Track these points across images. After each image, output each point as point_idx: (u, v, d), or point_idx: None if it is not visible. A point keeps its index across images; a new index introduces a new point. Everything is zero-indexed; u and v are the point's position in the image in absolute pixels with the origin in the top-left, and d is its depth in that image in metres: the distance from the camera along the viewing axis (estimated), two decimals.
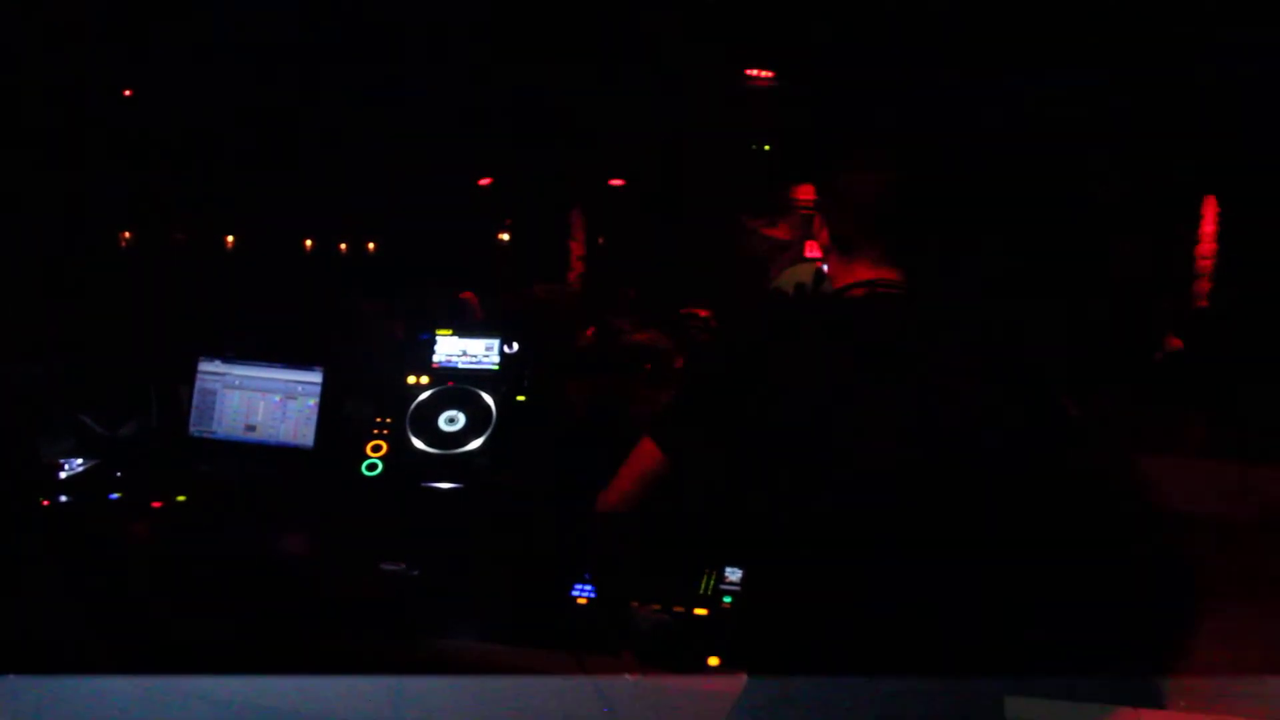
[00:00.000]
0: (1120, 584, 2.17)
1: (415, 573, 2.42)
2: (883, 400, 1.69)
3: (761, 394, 1.73)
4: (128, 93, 7.85)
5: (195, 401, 3.15)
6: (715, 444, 1.80)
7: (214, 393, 3.14)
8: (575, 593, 2.38)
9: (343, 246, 13.50)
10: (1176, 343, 8.16)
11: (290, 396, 3.09)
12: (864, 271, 1.82)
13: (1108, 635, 2.11)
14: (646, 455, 1.81)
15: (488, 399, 2.80)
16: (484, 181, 12.57)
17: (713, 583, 2.35)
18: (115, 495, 2.84)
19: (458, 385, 2.84)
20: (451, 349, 2.90)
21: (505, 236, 13.47)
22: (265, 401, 3.11)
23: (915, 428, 1.67)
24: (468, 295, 7.60)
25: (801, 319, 1.87)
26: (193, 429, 3.14)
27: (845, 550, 1.66)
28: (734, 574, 2.36)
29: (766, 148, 10.61)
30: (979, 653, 1.67)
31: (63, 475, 2.93)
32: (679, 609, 2.26)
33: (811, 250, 12.07)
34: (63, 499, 2.81)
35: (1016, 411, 1.72)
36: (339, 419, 3.08)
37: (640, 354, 3.72)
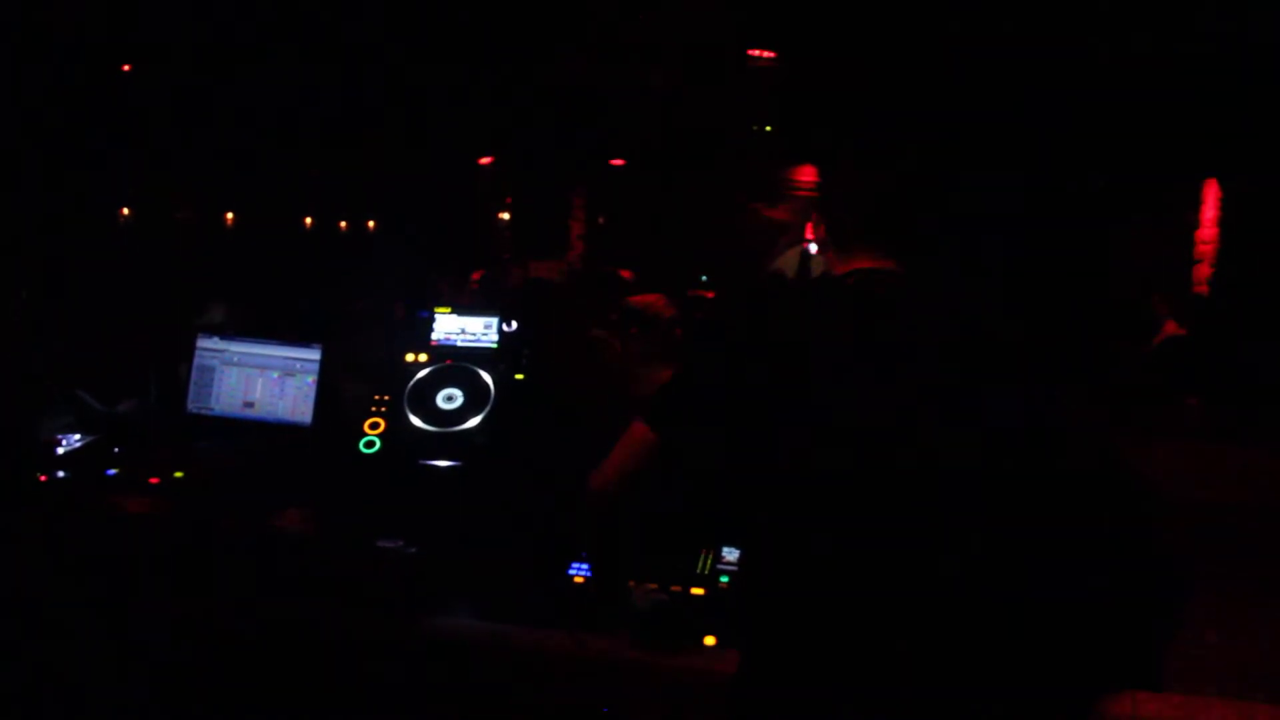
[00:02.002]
0: (1111, 572, 2.17)
1: (413, 550, 2.42)
2: (880, 387, 1.68)
3: (758, 378, 1.72)
4: (126, 67, 7.81)
5: (193, 378, 3.14)
6: (709, 426, 1.79)
7: (212, 369, 3.13)
8: (572, 571, 2.38)
9: (343, 224, 13.47)
10: (1175, 328, 8.17)
11: (289, 373, 3.09)
12: (863, 262, 1.81)
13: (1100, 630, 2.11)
14: (639, 436, 1.81)
15: (486, 377, 2.79)
16: (485, 160, 12.54)
17: (710, 562, 2.35)
18: (113, 471, 2.84)
19: (456, 363, 2.84)
20: (450, 327, 2.90)
21: (505, 216, 13.44)
22: (264, 378, 3.10)
23: (911, 415, 1.67)
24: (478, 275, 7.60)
25: (800, 303, 1.86)
26: (191, 406, 3.13)
27: (841, 537, 1.66)
28: (731, 553, 2.36)
29: (768, 129, 10.58)
30: (972, 649, 1.66)
31: (60, 451, 2.92)
32: (676, 588, 2.26)
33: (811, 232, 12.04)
34: (60, 475, 2.81)
35: (1012, 401, 1.72)
36: (337, 396, 3.07)
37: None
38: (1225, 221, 9.86)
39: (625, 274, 9.85)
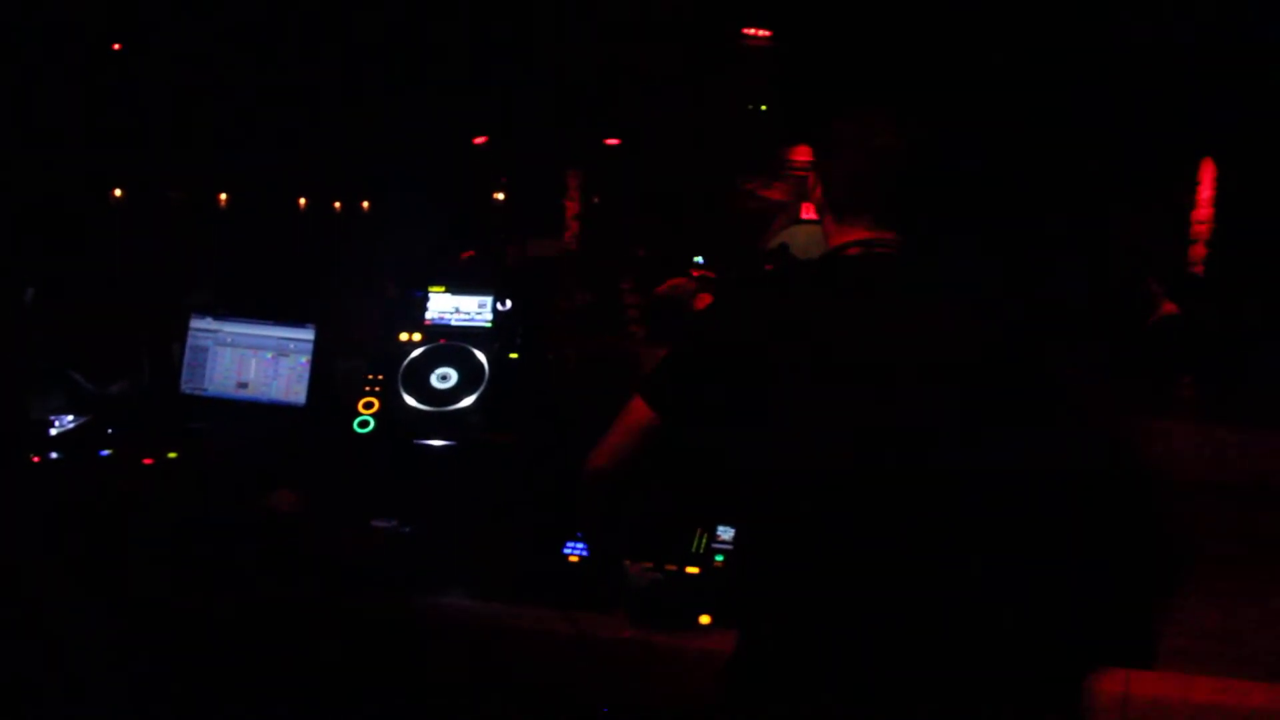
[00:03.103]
0: (1110, 552, 2.18)
1: (407, 530, 2.42)
2: (881, 360, 1.67)
3: (756, 357, 1.72)
4: (116, 46, 7.76)
5: (187, 359, 3.13)
6: (707, 404, 1.79)
7: (205, 350, 3.12)
8: (567, 550, 2.38)
9: (337, 205, 13.43)
10: (1171, 308, 8.15)
11: (282, 353, 3.08)
12: (860, 232, 1.80)
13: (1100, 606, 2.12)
14: (637, 414, 1.80)
15: (480, 356, 2.78)
16: (479, 140, 12.50)
17: (705, 541, 2.35)
18: (106, 452, 2.83)
19: (450, 342, 2.83)
20: (444, 306, 2.89)
21: (500, 196, 13.40)
22: (257, 359, 3.09)
23: (913, 387, 1.66)
24: (469, 255, 7.60)
25: (798, 281, 1.85)
26: (184, 386, 3.12)
27: (839, 519, 1.66)
28: (726, 532, 2.36)
29: (764, 108, 10.54)
30: (975, 634, 1.66)
31: (53, 432, 2.91)
32: (671, 567, 2.26)
33: (807, 212, 12.04)
34: (53, 456, 2.80)
35: (1009, 370, 1.72)
36: (331, 376, 3.07)
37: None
38: (1221, 201, 9.83)
39: (639, 251, 9.87)
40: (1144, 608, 2.23)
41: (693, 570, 2.27)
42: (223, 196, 11.59)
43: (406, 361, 2.80)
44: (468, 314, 2.87)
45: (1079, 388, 1.86)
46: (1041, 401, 1.79)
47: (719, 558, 2.30)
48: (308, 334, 3.07)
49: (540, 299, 4.22)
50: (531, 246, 9.21)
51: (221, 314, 3.14)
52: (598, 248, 10.78)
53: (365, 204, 13.46)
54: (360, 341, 3.39)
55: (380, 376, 2.80)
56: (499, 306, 2.87)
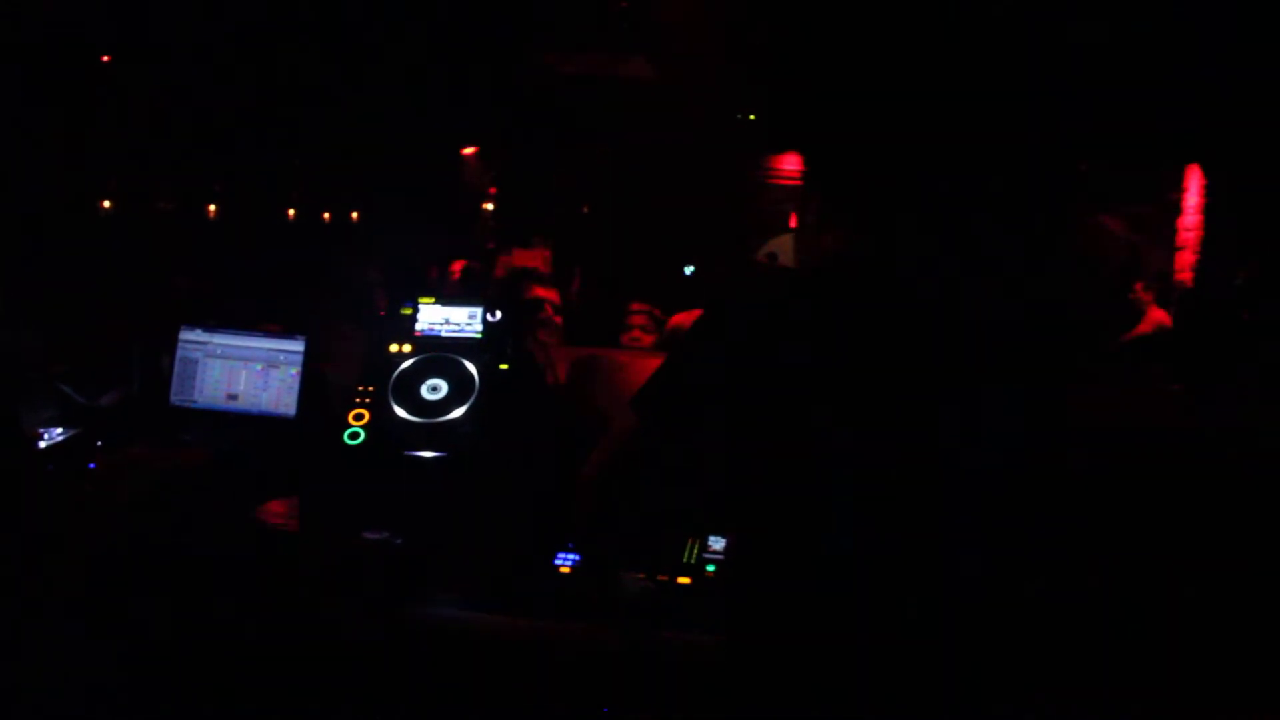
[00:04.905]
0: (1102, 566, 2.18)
1: (398, 541, 2.42)
2: (867, 374, 1.68)
3: (749, 369, 1.72)
4: (106, 58, 7.75)
5: (176, 370, 3.13)
6: (699, 419, 1.79)
7: (195, 361, 3.12)
8: (559, 561, 2.38)
9: (326, 216, 13.41)
10: (1160, 315, 8.20)
11: (272, 365, 3.08)
12: (838, 245, 1.81)
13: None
14: (628, 428, 1.80)
15: (470, 367, 2.78)
16: (468, 150, 12.50)
17: (697, 550, 2.35)
18: (95, 464, 2.83)
19: (440, 353, 2.83)
20: (434, 317, 2.89)
21: (489, 206, 13.39)
22: (247, 370, 3.09)
23: (898, 401, 1.67)
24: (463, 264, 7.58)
25: (787, 294, 1.86)
26: (174, 398, 3.12)
27: (837, 521, 1.66)
28: (718, 542, 2.36)
29: (751, 117, 10.56)
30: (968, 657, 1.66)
31: (43, 444, 2.91)
32: (663, 577, 2.26)
33: (795, 221, 12.07)
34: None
35: (1000, 373, 1.72)
36: (321, 388, 3.06)
37: None
38: (1209, 208, 9.86)
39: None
40: (1133, 607, 2.24)
41: (684, 580, 2.27)
42: (212, 208, 11.57)
43: (397, 373, 2.80)
44: (458, 325, 2.88)
45: (1069, 390, 1.87)
46: (1032, 403, 1.80)
47: (710, 568, 2.31)
48: (298, 345, 3.07)
49: (529, 309, 4.22)
50: (517, 256, 9.18)
51: (211, 325, 3.14)
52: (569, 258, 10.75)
53: (354, 215, 13.44)
54: (350, 353, 3.39)
55: (370, 388, 2.80)
56: (489, 317, 2.87)
